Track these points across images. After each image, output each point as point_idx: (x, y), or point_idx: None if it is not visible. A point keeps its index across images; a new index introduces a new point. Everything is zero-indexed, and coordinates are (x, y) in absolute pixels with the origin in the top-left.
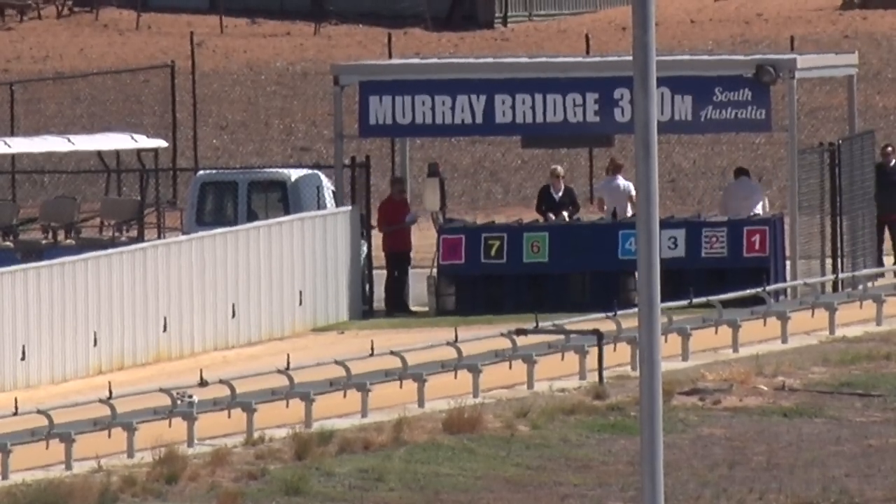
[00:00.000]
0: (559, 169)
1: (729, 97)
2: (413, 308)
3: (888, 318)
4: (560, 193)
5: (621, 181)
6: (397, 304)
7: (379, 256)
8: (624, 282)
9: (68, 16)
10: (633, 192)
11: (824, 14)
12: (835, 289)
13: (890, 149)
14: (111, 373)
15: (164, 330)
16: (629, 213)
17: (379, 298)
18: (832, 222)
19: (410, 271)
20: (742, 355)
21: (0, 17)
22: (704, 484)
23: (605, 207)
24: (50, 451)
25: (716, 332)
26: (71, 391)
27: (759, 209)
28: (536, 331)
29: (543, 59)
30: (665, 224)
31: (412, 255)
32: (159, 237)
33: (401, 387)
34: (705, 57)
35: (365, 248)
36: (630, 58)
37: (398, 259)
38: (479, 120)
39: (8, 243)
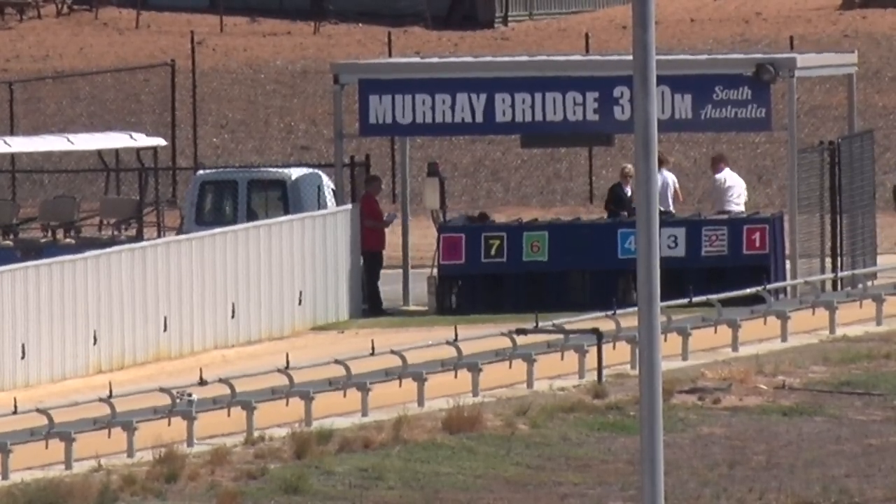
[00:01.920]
0: (630, 168)
1: (729, 96)
2: (386, 307)
3: (888, 317)
4: (630, 192)
5: (665, 174)
6: (372, 304)
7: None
8: (623, 281)
9: (68, 15)
10: (677, 185)
11: (824, 13)
12: (835, 287)
13: None
14: (111, 372)
15: (164, 329)
16: (670, 206)
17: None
18: (832, 221)
19: (411, 271)
20: (742, 354)
21: (0, 16)
22: (704, 483)
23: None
24: (50, 451)
25: (715, 331)
26: (71, 390)
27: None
28: (536, 330)
29: (543, 58)
30: (665, 223)
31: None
32: (159, 236)
33: (400, 386)
34: (705, 56)
35: None
36: (630, 57)
37: (373, 258)
38: (478, 119)
39: (8, 242)
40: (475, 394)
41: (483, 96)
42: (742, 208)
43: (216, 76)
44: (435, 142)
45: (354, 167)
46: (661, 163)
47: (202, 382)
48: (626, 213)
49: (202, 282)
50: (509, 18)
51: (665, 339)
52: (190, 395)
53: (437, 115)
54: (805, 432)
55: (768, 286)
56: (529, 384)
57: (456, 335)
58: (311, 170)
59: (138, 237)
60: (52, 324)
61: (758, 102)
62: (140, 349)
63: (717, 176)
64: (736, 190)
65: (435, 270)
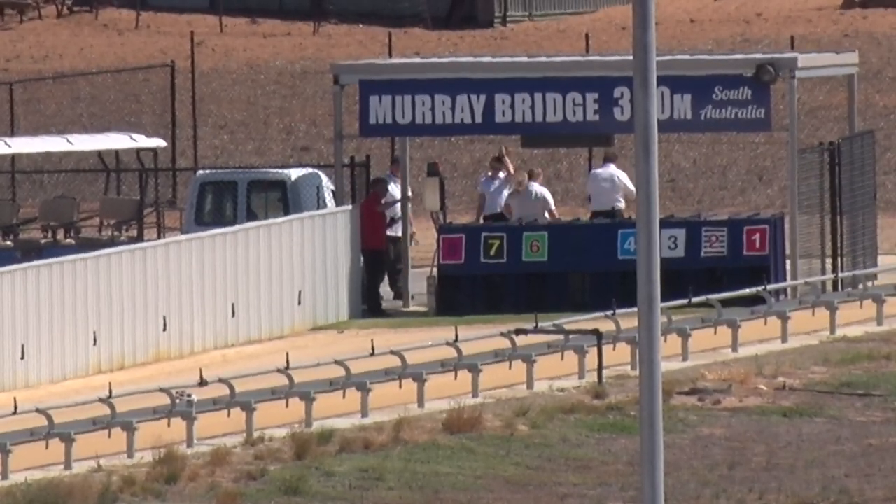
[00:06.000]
0: None
1: (729, 96)
2: (385, 307)
3: (888, 317)
4: None
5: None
6: (371, 305)
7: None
8: (623, 281)
9: (68, 15)
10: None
11: (825, 13)
12: (835, 288)
13: None
14: (111, 372)
15: (164, 329)
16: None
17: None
18: (832, 221)
19: (412, 271)
20: (742, 355)
21: (0, 16)
22: (704, 484)
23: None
24: (49, 451)
25: (715, 332)
26: (70, 390)
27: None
28: (536, 330)
29: (543, 59)
30: (665, 223)
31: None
32: (159, 237)
33: (400, 386)
34: (705, 56)
35: None
36: (630, 57)
37: (374, 257)
38: (478, 119)
39: (8, 243)
40: (475, 394)
41: (483, 97)
42: (622, 204)
43: (216, 77)
44: (435, 142)
45: (354, 167)
46: (533, 176)
47: (202, 382)
48: None
49: (202, 282)
50: (509, 19)
51: (665, 340)
52: (190, 395)
53: (437, 116)
54: (805, 433)
55: (768, 287)
56: (529, 385)
57: (456, 336)
58: (310, 170)
59: (138, 238)
60: (52, 324)
61: (758, 103)
62: (140, 349)
63: (598, 171)
64: (615, 186)
65: (435, 270)
